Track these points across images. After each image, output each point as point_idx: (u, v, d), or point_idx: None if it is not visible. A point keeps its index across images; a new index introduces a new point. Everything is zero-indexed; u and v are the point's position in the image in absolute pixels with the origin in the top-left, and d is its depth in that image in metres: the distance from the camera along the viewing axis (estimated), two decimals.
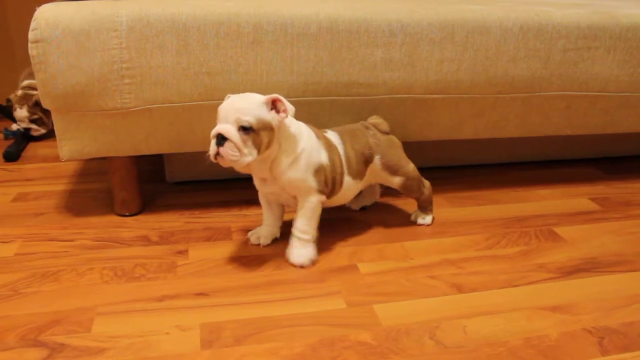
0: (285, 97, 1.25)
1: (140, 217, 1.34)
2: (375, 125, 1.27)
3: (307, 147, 1.11)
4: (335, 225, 1.32)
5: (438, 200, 1.47)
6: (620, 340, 0.98)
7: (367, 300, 1.05)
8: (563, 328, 1.00)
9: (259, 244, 1.23)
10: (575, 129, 1.52)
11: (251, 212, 1.37)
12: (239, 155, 1.02)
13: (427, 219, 1.36)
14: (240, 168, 1.07)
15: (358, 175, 1.21)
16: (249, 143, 1.02)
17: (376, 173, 1.26)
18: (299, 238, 1.16)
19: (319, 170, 1.13)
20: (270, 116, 1.04)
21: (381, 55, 1.27)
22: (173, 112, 1.22)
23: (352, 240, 1.26)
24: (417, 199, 1.34)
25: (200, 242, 1.23)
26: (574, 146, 1.81)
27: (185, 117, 1.23)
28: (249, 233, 1.25)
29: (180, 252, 1.19)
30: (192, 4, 1.18)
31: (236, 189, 1.50)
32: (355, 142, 1.22)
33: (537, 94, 1.42)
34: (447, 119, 1.39)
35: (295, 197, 1.16)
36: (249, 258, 1.17)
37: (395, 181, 1.28)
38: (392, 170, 1.26)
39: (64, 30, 1.12)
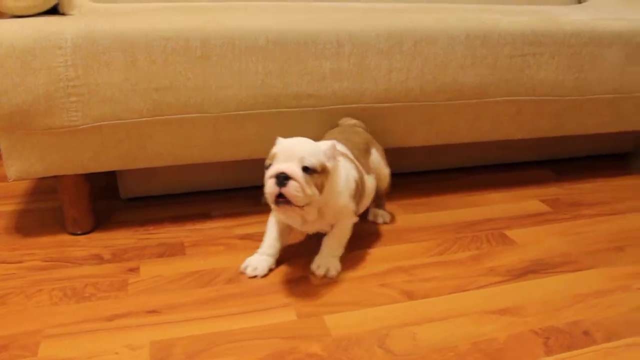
0: (235, 110, 1.26)
1: (93, 235, 1.32)
2: (355, 125, 1.31)
3: (346, 175, 1.12)
4: (291, 236, 1.32)
5: (391, 207, 1.49)
6: (565, 339, 1.00)
7: (318, 311, 1.05)
8: (510, 330, 1.02)
9: (255, 276, 1.17)
10: (525, 133, 1.55)
11: (205, 226, 1.37)
12: (302, 196, 0.99)
13: (387, 217, 1.40)
14: (293, 213, 1.06)
15: (369, 170, 1.24)
16: (311, 184, 1.01)
17: (372, 167, 1.28)
18: (332, 256, 1.18)
19: (355, 192, 1.14)
20: (328, 161, 1.04)
21: (330, 66, 1.28)
22: (122, 129, 1.22)
23: (306, 251, 1.26)
24: (380, 196, 1.38)
25: (153, 258, 1.23)
26: (526, 149, 1.84)
27: (135, 134, 1.23)
28: (242, 266, 1.18)
29: (132, 270, 1.18)
30: (139, 20, 1.18)
31: (190, 204, 1.49)
32: (354, 142, 1.23)
33: (486, 99, 1.44)
34: (398, 127, 1.40)
35: (332, 225, 1.16)
36: (201, 273, 1.17)
37: (385, 173, 1.33)
38: (384, 161, 1.32)
39: (8, 48, 1.11)
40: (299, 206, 1.01)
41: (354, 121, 1.32)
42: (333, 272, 1.16)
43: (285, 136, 1.30)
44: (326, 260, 1.17)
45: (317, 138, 1.32)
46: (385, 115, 1.37)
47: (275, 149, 1.03)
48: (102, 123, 1.19)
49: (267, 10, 1.31)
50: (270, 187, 0.99)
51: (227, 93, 1.24)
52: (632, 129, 1.70)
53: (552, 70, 1.47)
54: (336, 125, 1.33)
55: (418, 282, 1.16)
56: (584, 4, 2.08)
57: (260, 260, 1.18)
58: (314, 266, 1.18)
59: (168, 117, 1.23)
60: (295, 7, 1.37)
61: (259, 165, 1.50)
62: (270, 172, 1.00)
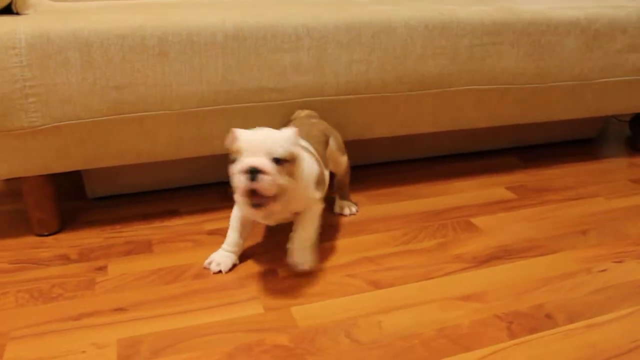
0: (196, 106, 1.26)
1: (60, 236, 1.31)
2: (310, 116, 1.31)
3: (306, 163, 1.10)
4: (256, 230, 1.33)
5: (358, 198, 1.50)
6: (528, 322, 1.02)
7: (284, 304, 1.06)
8: (475, 316, 1.04)
9: (219, 272, 1.17)
10: (488, 122, 1.57)
11: (173, 223, 1.37)
12: (276, 188, 0.98)
13: (354, 208, 1.41)
14: (266, 209, 1.02)
15: (326, 164, 1.24)
16: (283, 174, 0.99)
17: (330, 156, 1.28)
18: (304, 247, 1.14)
19: (319, 181, 1.14)
20: (294, 147, 1.02)
21: (289, 59, 1.29)
22: (83, 129, 1.21)
23: (273, 244, 1.27)
24: (343, 187, 1.39)
25: (121, 257, 1.22)
26: (492, 137, 1.86)
27: (96, 133, 1.22)
28: (206, 262, 1.18)
29: (99, 269, 1.18)
30: (95, 19, 1.17)
31: (158, 201, 1.49)
32: (313, 136, 1.22)
33: (447, 89, 1.46)
34: (361, 118, 1.41)
35: (296, 213, 1.13)
36: (168, 269, 1.17)
37: (344, 161, 1.34)
38: (342, 149, 1.33)
39: None
40: (271, 198, 0.99)
41: (306, 112, 1.33)
42: (306, 266, 1.14)
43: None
44: (300, 253, 1.14)
45: None
46: (347, 107, 1.38)
47: (239, 143, 1.00)
48: (62, 123, 1.18)
49: (226, 5, 1.31)
50: (241, 182, 0.97)
51: (188, 89, 1.24)
52: (593, 115, 1.73)
53: (512, 59, 1.49)
54: (289, 121, 1.32)
55: (384, 271, 1.17)
56: None
57: (223, 256, 1.18)
58: (290, 260, 1.15)
59: (129, 115, 1.23)
60: (254, 1, 1.37)
61: (226, 160, 1.51)
62: (239, 167, 0.97)
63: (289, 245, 1.13)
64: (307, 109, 1.34)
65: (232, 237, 1.18)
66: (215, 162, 1.52)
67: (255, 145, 0.98)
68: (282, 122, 1.32)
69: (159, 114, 1.25)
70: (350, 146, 1.63)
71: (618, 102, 1.74)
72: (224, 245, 1.19)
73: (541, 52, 1.53)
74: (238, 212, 1.17)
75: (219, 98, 1.27)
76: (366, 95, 1.38)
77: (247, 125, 1.29)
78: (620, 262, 1.24)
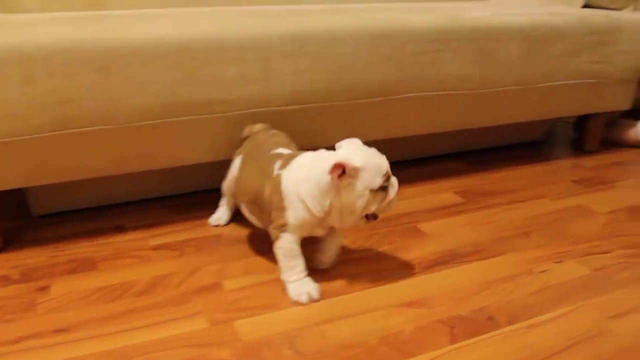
0: (142, 120, 1.25)
1: (2, 256, 1.29)
2: (267, 129, 1.31)
3: None
4: (202, 243, 1.33)
5: None
6: (469, 326, 1.04)
7: (229, 317, 1.06)
8: (418, 322, 1.05)
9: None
10: (435, 128, 1.59)
11: (119, 239, 1.35)
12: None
13: None
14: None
15: None
16: None
17: None
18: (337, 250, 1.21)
19: None
20: None
21: (235, 71, 1.29)
22: (24, 145, 1.19)
23: (219, 257, 1.26)
24: None
25: (64, 276, 1.20)
26: (440, 142, 1.89)
27: (38, 150, 1.21)
28: (297, 298, 1.11)
29: (41, 289, 1.16)
30: (37, 32, 1.16)
31: (105, 217, 1.47)
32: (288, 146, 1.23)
33: (394, 97, 1.48)
34: (309, 128, 1.42)
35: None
36: (113, 287, 1.16)
37: None
38: None
39: None
40: None
41: (259, 125, 1.33)
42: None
43: (197, 143, 1.30)
44: (333, 254, 1.22)
45: (228, 144, 1.33)
46: (295, 117, 1.39)
47: (380, 164, 1.06)
48: (2, 140, 1.17)
49: (170, 17, 1.31)
50: (375, 200, 1.06)
51: (133, 103, 1.23)
52: (538, 118, 1.77)
53: (457, 66, 1.52)
54: (243, 139, 1.31)
55: (330, 280, 1.18)
56: (492, 0, 2.15)
57: (308, 283, 1.13)
58: (322, 262, 1.22)
59: (73, 130, 1.21)
60: (199, 13, 1.37)
61: (174, 174, 1.50)
62: (391, 182, 1.09)
63: (325, 247, 1.19)
64: (254, 120, 1.35)
65: (301, 262, 1.13)
66: (163, 175, 1.51)
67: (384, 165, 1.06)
68: (234, 139, 1.32)
69: (104, 129, 1.24)
70: None
71: (561, 105, 1.78)
72: (299, 275, 1.13)
73: (485, 59, 1.56)
74: (291, 238, 1.10)
75: (164, 111, 1.26)
76: (313, 104, 1.39)
77: (194, 138, 1.30)
78: (560, 262, 1.27)
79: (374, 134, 1.51)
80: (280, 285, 1.16)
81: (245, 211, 1.22)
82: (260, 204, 1.14)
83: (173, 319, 1.06)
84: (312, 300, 1.10)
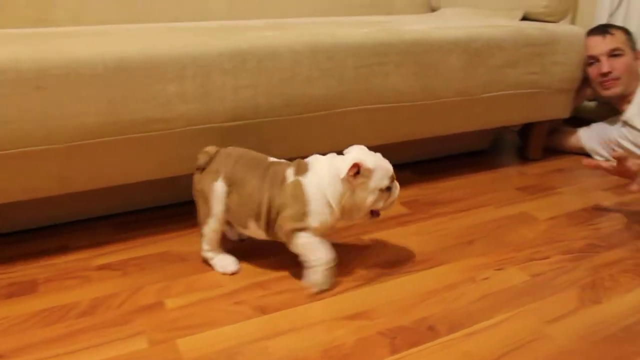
0: (82, 139, 1.24)
1: None
2: (220, 149, 1.27)
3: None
4: (145, 262, 1.31)
5: None
6: (410, 337, 1.05)
7: (170, 336, 1.05)
8: (359, 334, 1.06)
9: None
10: (380, 140, 1.61)
11: (61, 260, 1.33)
12: None
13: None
14: None
15: None
16: None
17: None
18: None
19: None
20: None
21: (174, 89, 1.28)
22: None
23: (162, 276, 1.25)
24: None
25: (2, 300, 1.18)
26: (387, 153, 1.90)
27: None
28: (317, 289, 1.20)
29: None
30: None
31: (46, 238, 1.44)
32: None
33: (337, 110, 1.49)
34: (252, 143, 1.42)
35: None
36: (53, 310, 1.14)
37: None
38: None
39: None
40: None
41: (210, 148, 1.24)
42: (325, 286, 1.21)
43: (141, 161, 1.29)
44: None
45: (171, 161, 1.32)
46: (237, 134, 1.39)
47: (377, 166, 1.18)
48: None
49: (109, 35, 1.30)
50: (380, 198, 1.20)
51: (72, 122, 1.22)
52: (481, 128, 1.80)
53: (399, 78, 1.54)
54: (210, 159, 1.23)
55: (273, 295, 1.18)
56: (435, 13, 2.19)
57: (327, 274, 1.20)
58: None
59: (10, 151, 1.19)
60: (138, 30, 1.37)
61: (119, 192, 1.49)
62: (382, 185, 1.19)
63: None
64: (196, 137, 1.34)
65: (327, 250, 1.19)
66: (106, 194, 1.49)
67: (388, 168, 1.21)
68: (177, 156, 1.32)
69: (44, 149, 1.22)
70: None
71: (503, 115, 1.82)
72: (324, 267, 1.19)
73: (426, 71, 1.58)
74: (315, 234, 1.18)
75: (105, 130, 1.25)
76: (255, 120, 1.39)
77: (138, 156, 1.29)
78: (501, 269, 1.30)
79: (318, 147, 1.52)
80: (223, 302, 1.15)
81: (250, 230, 1.22)
82: (268, 215, 1.17)
83: (113, 340, 1.05)
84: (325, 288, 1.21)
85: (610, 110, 2.11)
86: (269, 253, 1.35)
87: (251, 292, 1.19)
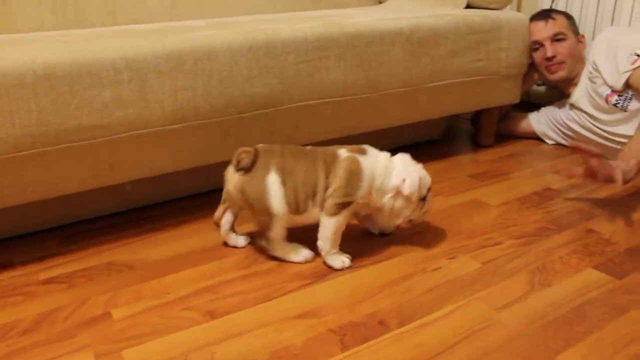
0: (13, 152, 1.20)
1: None
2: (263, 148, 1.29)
3: None
4: (92, 273, 1.28)
5: (205, 225, 1.48)
6: (360, 332, 1.04)
7: (117, 348, 1.02)
8: (309, 333, 1.04)
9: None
10: (325, 135, 1.60)
11: (4, 276, 1.29)
12: None
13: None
14: None
15: None
16: None
17: None
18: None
19: None
20: None
21: (109, 94, 1.25)
22: None
23: (109, 286, 1.22)
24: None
25: None
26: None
27: None
28: (340, 266, 1.27)
29: None
30: None
31: None
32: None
33: (280, 107, 1.47)
34: (196, 146, 1.40)
35: None
36: None
37: None
38: None
39: None
40: None
41: (248, 148, 1.24)
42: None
43: (78, 171, 1.26)
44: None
45: (112, 168, 1.29)
46: (179, 136, 1.36)
47: (429, 181, 1.29)
48: None
49: (38, 42, 1.26)
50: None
51: (1, 135, 1.17)
52: (429, 118, 1.80)
53: (341, 72, 1.53)
54: (246, 167, 1.22)
55: (222, 299, 1.16)
56: (382, 5, 2.19)
57: (342, 255, 1.28)
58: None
59: None
60: (69, 36, 1.33)
61: (62, 203, 1.44)
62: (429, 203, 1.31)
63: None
64: (134, 143, 1.31)
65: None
66: (49, 206, 1.45)
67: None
68: (118, 163, 1.29)
69: None
70: (192, 172, 1.61)
71: (451, 104, 1.82)
72: (337, 248, 1.27)
73: (369, 63, 1.57)
74: (345, 216, 1.24)
75: (36, 141, 1.21)
76: (196, 122, 1.37)
77: (74, 166, 1.25)
78: (453, 258, 1.30)
79: None
80: (171, 309, 1.13)
81: (309, 213, 1.24)
82: (324, 189, 1.22)
83: (58, 356, 1.01)
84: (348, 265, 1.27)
85: (559, 93, 2.13)
86: (220, 255, 1.32)
87: (200, 297, 1.17)
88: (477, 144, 2.13)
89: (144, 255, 1.34)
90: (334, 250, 1.26)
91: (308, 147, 1.27)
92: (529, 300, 1.14)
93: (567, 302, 1.14)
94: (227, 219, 1.34)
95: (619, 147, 1.83)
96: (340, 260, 1.26)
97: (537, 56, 2.00)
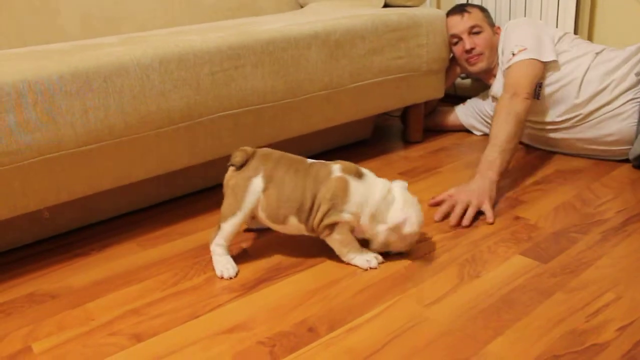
0: None
1: None
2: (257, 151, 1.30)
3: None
4: (11, 307, 1.22)
5: (129, 246, 1.43)
6: (290, 342, 1.02)
7: None
8: (238, 348, 1.02)
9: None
10: (249, 143, 1.57)
11: None
12: None
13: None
14: None
15: None
16: None
17: None
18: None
19: None
20: None
21: (15, 119, 1.20)
22: None
23: (30, 319, 1.17)
24: None
25: None
26: None
27: None
28: (367, 265, 1.27)
29: None
30: None
31: None
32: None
33: (199, 120, 1.44)
34: (114, 166, 1.35)
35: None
36: None
37: None
38: None
39: None
40: None
41: (247, 149, 1.28)
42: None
43: None
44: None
45: (26, 196, 1.23)
46: (94, 157, 1.31)
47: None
48: None
49: None
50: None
51: None
52: (354, 119, 1.80)
53: (259, 79, 1.51)
54: (236, 165, 1.26)
55: (149, 320, 1.12)
56: (302, 9, 2.18)
57: (369, 253, 1.29)
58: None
59: None
60: None
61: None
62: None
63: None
64: (47, 166, 1.26)
65: (354, 241, 1.27)
66: None
67: None
68: (33, 190, 1.24)
69: None
70: (113, 193, 1.56)
71: (375, 103, 1.83)
72: (358, 251, 1.28)
73: (287, 68, 1.56)
74: (345, 229, 1.24)
75: None
76: (112, 141, 1.33)
77: None
78: (383, 257, 1.29)
79: (186, 160, 1.46)
80: (96, 335, 1.09)
81: (288, 225, 1.26)
82: (309, 209, 1.22)
83: None
84: (381, 262, 1.29)
85: (484, 85, 2.16)
86: (146, 276, 1.29)
87: (126, 320, 1.13)
88: (407, 141, 2.15)
89: (68, 283, 1.29)
90: (355, 254, 1.27)
91: (306, 161, 1.29)
92: (458, 294, 1.15)
93: (496, 292, 1.15)
94: None
95: (541, 134, 1.87)
96: (365, 259, 1.27)
97: (457, 50, 2.03)
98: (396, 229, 1.22)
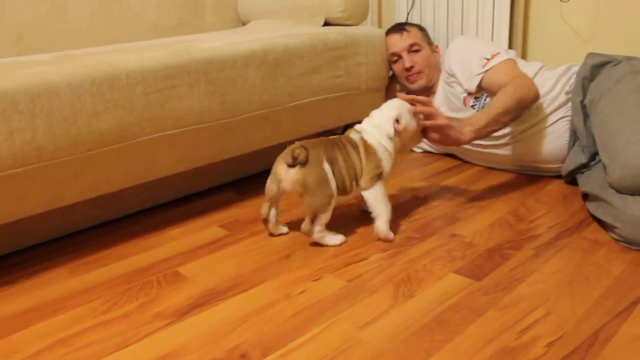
0: None
1: None
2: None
3: None
4: None
5: (60, 272, 1.39)
6: None
7: None
8: None
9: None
10: (187, 165, 1.55)
11: None
12: None
13: None
14: None
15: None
16: None
17: None
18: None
19: None
20: None
21: None
22: None
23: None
24: None
25: None
26: (205, 176, 1.85)
27: None
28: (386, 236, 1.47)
29: None
30: None
31: None
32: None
33: (133, 141, 1.42)
34: (43, 189, 1.31)
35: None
36: None
37: None
38: None
39: None
40: None
41: (301, 143, 1.43)
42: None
43: None
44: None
45: None
46: (21, 181, 1.27)
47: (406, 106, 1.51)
48: None
49: None
50: None
51: None
52: (294, 138, 1.79)
53: (195, 99, 1.50)
54: (300, 157, 1.39)
55: (76, 351, 1.09)
56: (243, 27, 2.17)
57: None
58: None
59: None
60: None
61: None
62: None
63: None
64: None
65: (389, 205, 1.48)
66: None
67: None
68: None
69: None
70: (44, 217, 1.51)
71: (314, 121, 1.83)
72: (389, 218, 1.46)
73: (223, 88, 1.55)
74: (382, 185, 1.48)
75: None
76: (40, 164, 1.29)
77: None
78: (318, 279, 1.29)
79: (120, 182, 1.43)
80: None
81: (349, 193, 1.45)
82: (359, 173, 1.45)
83: None
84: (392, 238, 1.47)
85: None
86: (76, 303, 1.25)
87: (52, 352, 1.09)
88: None
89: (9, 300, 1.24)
90: (387, 218, 1.45)
91: (333, 137, 1.47)
92: (391, 315, 1.15)
93: (430, 311, 1.16)
94: (273, 214, 1.48)
95: (483, 150, 1.90)
96: (385, 227, 1.46)
97: (397, 68, 2.05)
98: (399, 133, 1.47)
